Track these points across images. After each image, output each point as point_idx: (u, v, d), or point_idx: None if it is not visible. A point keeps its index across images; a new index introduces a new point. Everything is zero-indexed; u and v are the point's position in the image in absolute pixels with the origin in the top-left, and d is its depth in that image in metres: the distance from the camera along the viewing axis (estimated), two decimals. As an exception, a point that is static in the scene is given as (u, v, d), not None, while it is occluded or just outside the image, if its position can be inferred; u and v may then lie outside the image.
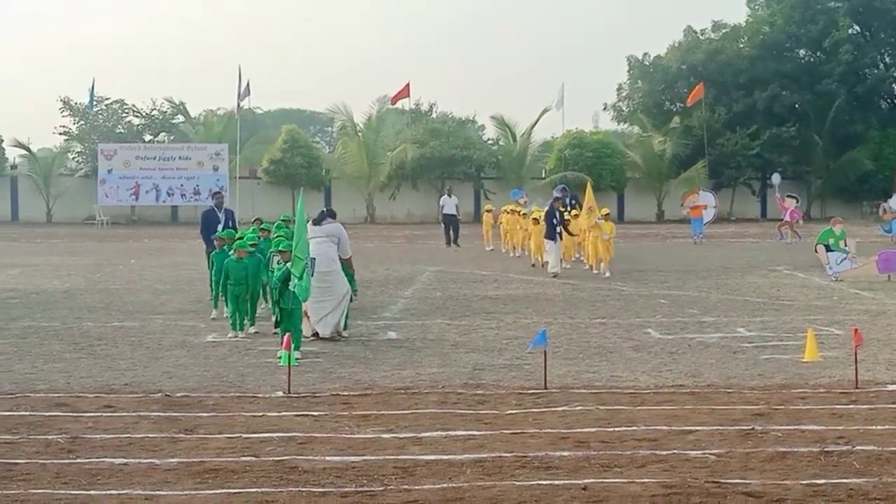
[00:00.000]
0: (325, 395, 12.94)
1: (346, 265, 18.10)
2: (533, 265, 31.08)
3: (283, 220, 22.38)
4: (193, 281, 25.85)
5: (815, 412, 11.81)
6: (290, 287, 15.89)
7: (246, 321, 18.05)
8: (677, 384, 13.57)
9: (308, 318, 17.39)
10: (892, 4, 65.97)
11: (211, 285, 20.04)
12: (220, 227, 20.93)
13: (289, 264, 16.07)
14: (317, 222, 18.04)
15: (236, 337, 17.55)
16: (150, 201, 59.84)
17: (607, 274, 27.83)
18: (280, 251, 16.84)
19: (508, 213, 36.83)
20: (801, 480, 9.11)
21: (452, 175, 61.25)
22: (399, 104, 64.27)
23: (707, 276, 28.30)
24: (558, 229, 28.38)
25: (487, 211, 40.92)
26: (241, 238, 19.09)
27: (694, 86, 62.63)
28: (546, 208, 33.60)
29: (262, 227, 21.24)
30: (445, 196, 42.77)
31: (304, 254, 15.90)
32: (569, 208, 31.70)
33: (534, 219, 31.84)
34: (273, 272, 17.00)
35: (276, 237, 19.16)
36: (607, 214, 29.81)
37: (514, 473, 9.41)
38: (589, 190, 30.90)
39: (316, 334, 17.29)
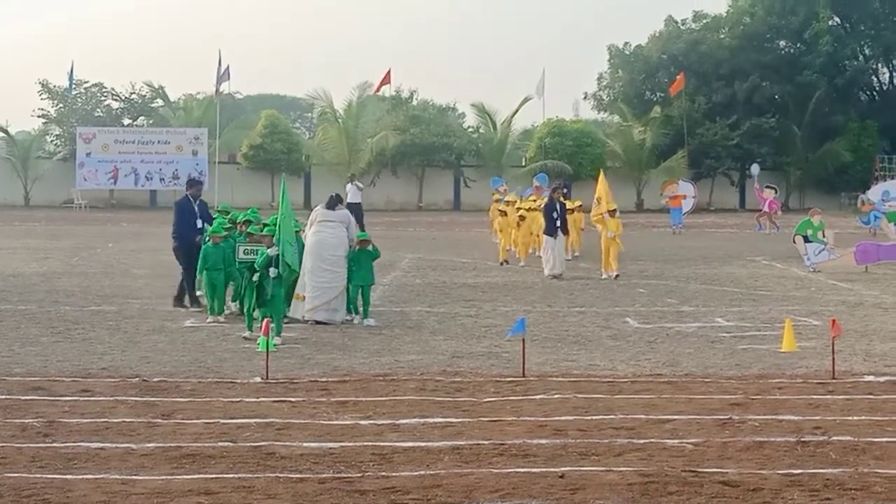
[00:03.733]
0: (304, 381, 12.93)
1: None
2: (501, 263, 28.09)
3: (219, 211, 21.05)
4: (171, 266, 25.68)
5: (793, 402, 11.86)
6: (271, 274, 15.84)
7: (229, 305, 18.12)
8: (655, 373, 13.61)
9: (298, 299, 17.63)
10: (873, -4, 66.16)
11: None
12: (198, 221, 19.52)
13: (270, 250, 16.01)
14: (330, 207, 18.19)
15: (216, 322, 17.52)
16: (128, 185, 59.57)
17: (604, 276, 24.82)
18: (263, 236, 16.79)
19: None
20: (777, 470, 9.14)
21: (432, 162, 61.21)
22: (380, 91, 64.11)
23: (685, 265, 28.36)
24: (558, 223, 25.15)
25: (497, 201, 35.46)
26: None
27: (674, 75, 62.68)
28: (526, 196, 33.42)
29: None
30: (349, 184, 41.76)
31: (292, 238, 15.94)
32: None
33: (500, 210, 29.78)
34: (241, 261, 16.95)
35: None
36: (614, 211, 25.78)
37: (491, 461, 9.42)
38: (601, 179, 27.23)
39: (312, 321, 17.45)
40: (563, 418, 10.99)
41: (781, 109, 64.24)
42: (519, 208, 29.16)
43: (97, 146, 58.84)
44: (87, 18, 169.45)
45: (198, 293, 19.45)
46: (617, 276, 24.58)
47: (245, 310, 16.48)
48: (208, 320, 17.61)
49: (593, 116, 74.69)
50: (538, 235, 27.41)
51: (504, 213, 29.34)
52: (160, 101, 66.68)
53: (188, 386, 12.60)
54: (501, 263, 28.03)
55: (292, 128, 72.05)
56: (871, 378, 13.34)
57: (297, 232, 18.06)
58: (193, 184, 20.91)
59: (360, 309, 17.84)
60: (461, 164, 62.84)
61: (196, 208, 19.64)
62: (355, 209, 39.24)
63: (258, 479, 8.80)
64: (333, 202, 18.28)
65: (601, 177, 27.41)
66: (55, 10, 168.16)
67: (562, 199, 26.48)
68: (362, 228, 37.35)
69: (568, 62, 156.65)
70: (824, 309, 19.72)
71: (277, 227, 16.10)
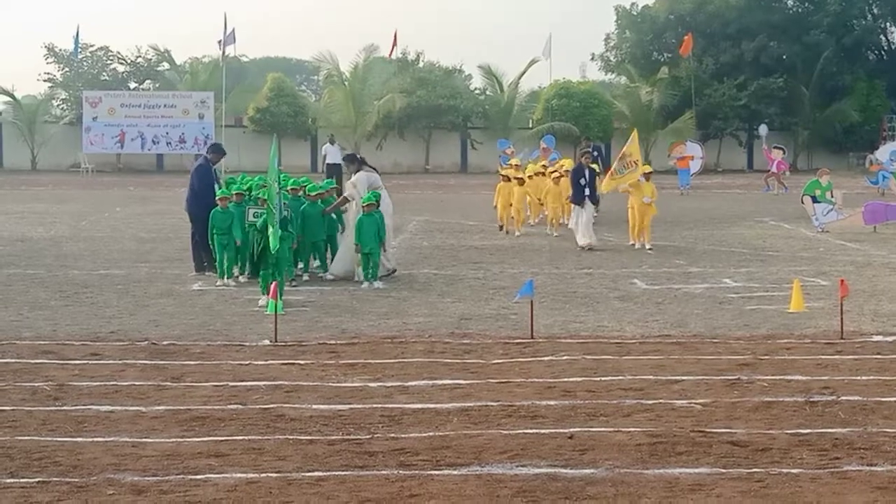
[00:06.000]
0: (312, 343, 12.95)
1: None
2: (500, 227, 26.68)
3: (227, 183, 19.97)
4: (179, 229, 25.67)
5: (801, 362, 11.87)
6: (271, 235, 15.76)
7: (235, 269, 18.07)
8: (663, 334, 13.61)
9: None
10: (881, -45, 65.69)
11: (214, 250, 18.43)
12: (215, 186, 19.07)
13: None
14: (375, 170, 19.45)
15: (225, 285, 17.52)
16: (135, 149, 59.46)
17: (648, 247, 22.92)
18: (261, 199, 16.80)
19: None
20: (786, 430, 9.16)
21: (439, 125, 61.03)
22: (385, 52, 63.88)
23: (693, 226, 28.31)
24: (586, 191, 23.28)
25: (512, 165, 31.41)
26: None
27: (682, 36, 62.35)
28: (533, 158, 33.15)
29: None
30: (328, 144, 41.58)
31: (273, 203, 15.55)
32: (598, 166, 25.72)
33: (502, 175, 27.36)
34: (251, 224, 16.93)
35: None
36: (650, 173, 24.19)
37: (500, 422, 9.44)
38: (635, 140, 24.69)
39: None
40: (571, 379, 11.01)
41: (789, 69, 63.90)
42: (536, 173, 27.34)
43: (103, 110, 58.71)
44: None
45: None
46: (650, 248, 22.76)
47: (260, 274, 16.48)
48: (218, 284, 17.62)
49: (600, 78, 74.32)
50: (541, 202, 26.53)
51: (507, 179, 26.79)
52: (166, 65, 66.47)
53: (197, 349, 12.63)
54: (500, 227, 26.61)
55: (298, 91, 71.82)
56: (879, 338, 13.34)
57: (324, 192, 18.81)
58: (217, 149, 20.42)
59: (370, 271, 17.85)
60: (468, 126, 62.62)
61: (214, 174, 19.44)
62: (335, 170, 39.24)
63: (268, 441, 8.83)
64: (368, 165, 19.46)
65: (634, 136, 24.88)
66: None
67: (591, 164, 24.29)
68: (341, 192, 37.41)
69: (575, 23, 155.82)
70: (832, 269, 19.70)
71: (269, 191, 15.87)
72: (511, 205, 26.40)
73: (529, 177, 27.38)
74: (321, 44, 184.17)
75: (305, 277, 18.21)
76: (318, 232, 18.56)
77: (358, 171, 19.12)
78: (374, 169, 19.53)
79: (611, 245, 23.78)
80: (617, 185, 24.15)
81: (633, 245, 23.30)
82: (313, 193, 18.75)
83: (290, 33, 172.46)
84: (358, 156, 20.11)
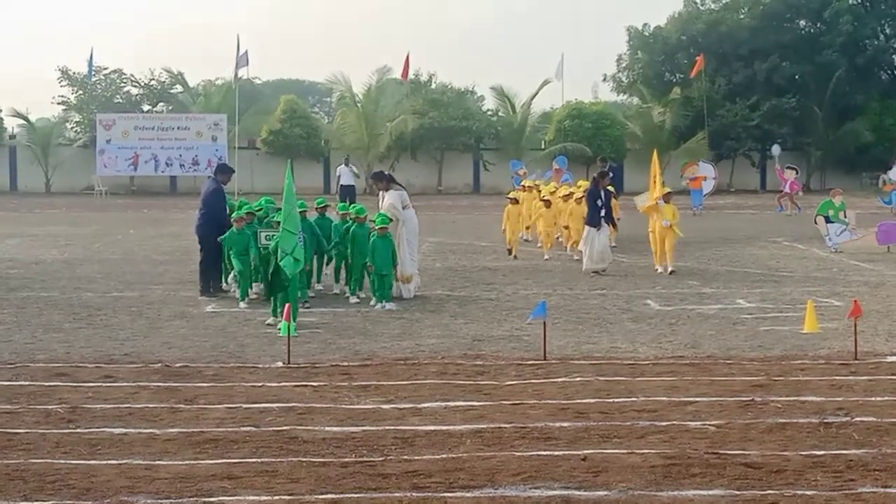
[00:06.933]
0: (325, 365, 12.96)
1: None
2: (510, 252, 25.70)
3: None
4: (192, 251, 25.68)
5: (815, 383, 11.84)
6: (280, 261, 15.76)
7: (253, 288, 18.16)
8: (677, 355, 13.59)
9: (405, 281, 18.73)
10: (893, -25, 65.66)
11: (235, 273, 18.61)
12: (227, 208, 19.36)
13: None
14: (403, 187, 19.65)
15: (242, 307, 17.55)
16: (148, 171, 59.63)
17: (662, 272, 22.31)
18: (275, 223, 16.86)
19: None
20: (800, 451, 9.13)
21: (452, 146, 61.10)
22: (398, 74, 63.99)
23: (706, 247, 28.26)
24: (602, 213, 22.64)
25: (528, 188, 30.33)
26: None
27: (694, 56, 62.39)
28: (546, 179, 33.08)
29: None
30: (342, 165, 41.86)
31: (296, 228, 15.61)
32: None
33: (511, 198, 26.82)
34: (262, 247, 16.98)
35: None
36: (669, 194, 23.50)
37: (513, 444, 9.43)
38: (655, 161, 24.20)
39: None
40: (584, 401, 11.00)
41: (801, 89, 63.88)
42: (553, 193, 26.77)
43: (117, 133, 58.91)
44: (106, 4, 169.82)
45: (224, 285, 19.38)
46: (672, 271, 22.13)
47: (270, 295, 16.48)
48: (241, 305, 17.60)
49: (612, 98, 74.39)
50: (566, 227, 25.72)
51: (515, 201, 26.68)
52: (179, 87, 66.69)
53: (210, 371, 12.64)
54: (514, 256, 25.34)
55: (311, 112, 71.95)
56: (893, 358, 13.31)
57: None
58: (226, 170, 20.52)
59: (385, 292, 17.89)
60: (480, 147, 62.69)
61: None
62: (349, 192, 39.26)
63: (281, 464, 8.83)
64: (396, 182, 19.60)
65: (654, 157, 24.44)
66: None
67: (608, 185, 23.53)
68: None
69: (587, 44, 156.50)
70: (846, 290, 19.65)
71: (284, 217, 15.90)
72: (528, 227, 26.76)
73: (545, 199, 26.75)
74: (334, 66, 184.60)
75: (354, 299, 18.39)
76: (367, 254, 18.36)
77: (387, 188, 19.15)
78: (402, 186, 19.58)
79: (624, 266, 23.75)
80: (650, 204, 23.40)
81: (658, 270, 22.48)
82: (356, 215, 18.82)
83: (302, 55, 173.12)
84: (386, 172, 20.22)
